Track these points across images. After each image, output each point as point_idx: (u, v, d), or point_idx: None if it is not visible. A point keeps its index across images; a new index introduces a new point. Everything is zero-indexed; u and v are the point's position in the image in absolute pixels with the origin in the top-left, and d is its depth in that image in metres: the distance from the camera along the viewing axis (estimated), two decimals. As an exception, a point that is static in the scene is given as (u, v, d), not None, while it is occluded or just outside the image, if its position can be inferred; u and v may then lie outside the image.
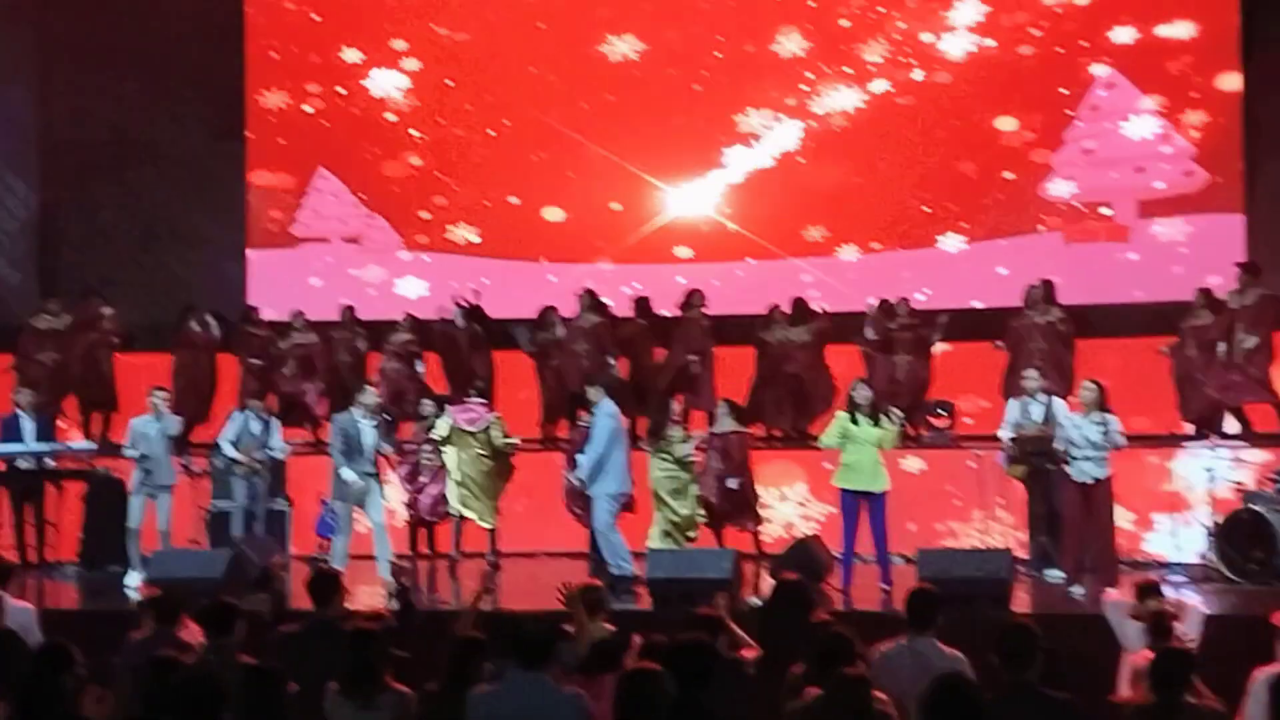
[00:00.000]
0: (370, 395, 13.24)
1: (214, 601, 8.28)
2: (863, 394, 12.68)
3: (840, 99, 17.42)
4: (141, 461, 13.27)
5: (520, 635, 6.53)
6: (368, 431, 12.86)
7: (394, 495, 14.19)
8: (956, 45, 17.19)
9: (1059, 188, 17.01)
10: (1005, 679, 6.65)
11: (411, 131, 18.08)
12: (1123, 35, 16.85)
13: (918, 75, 17.29)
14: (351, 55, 18.22)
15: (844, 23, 17.44)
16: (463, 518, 14.15)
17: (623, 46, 17.80)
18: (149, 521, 13.29)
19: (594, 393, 13.32)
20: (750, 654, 8.10)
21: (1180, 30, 16.71)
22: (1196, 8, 16.70)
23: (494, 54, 17.95)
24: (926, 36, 17.26)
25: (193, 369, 16.32)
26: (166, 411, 13.48)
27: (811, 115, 17.48)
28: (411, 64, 18.14)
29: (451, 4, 17.96)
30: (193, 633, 8.32)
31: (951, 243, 17.20)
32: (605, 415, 13.15)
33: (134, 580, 12.92)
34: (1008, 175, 17.16)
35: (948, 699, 5.52)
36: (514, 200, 18.02)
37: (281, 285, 17.56)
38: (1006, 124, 17.18)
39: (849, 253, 17.45)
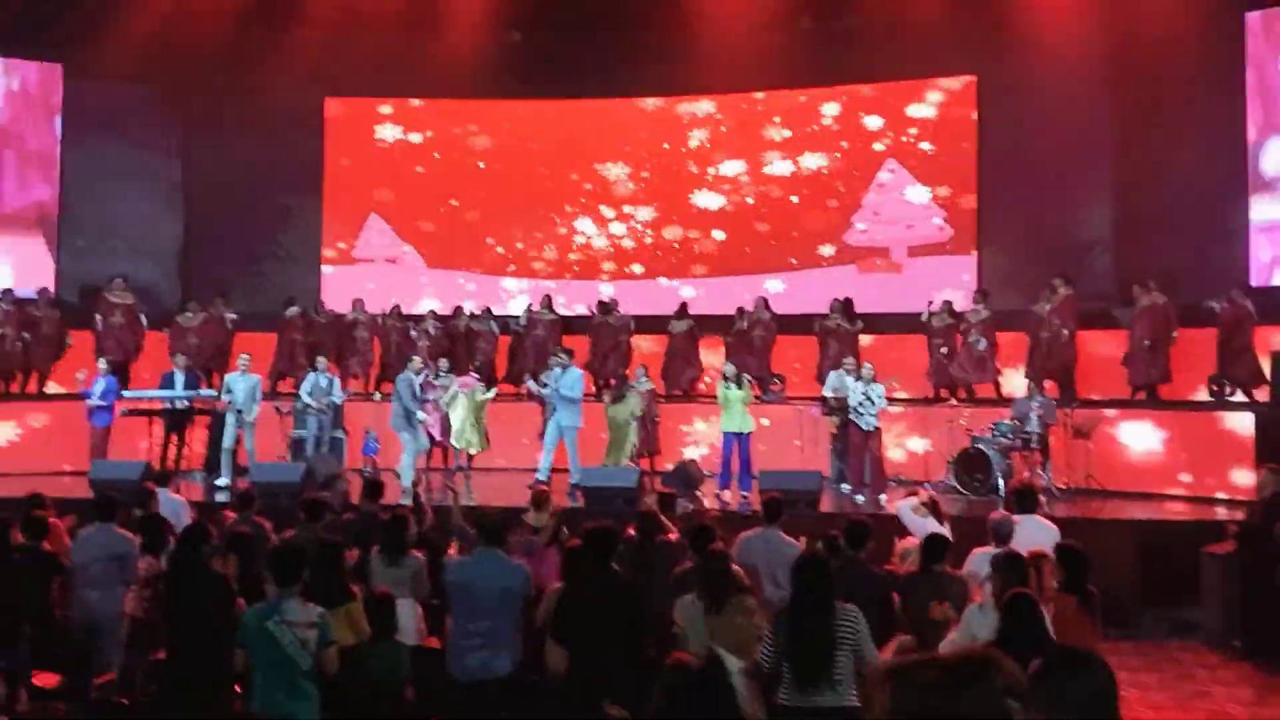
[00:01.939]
0: (416, 362, 13.27)
1: (309, 497, 8.39)
2: (729, 369, 12.77)
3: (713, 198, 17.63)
4: (231, 404, 13.23)
5: (482, 521, 6.32)
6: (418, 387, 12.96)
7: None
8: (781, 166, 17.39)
9: (856, 236, 17.19)
10: (846, 555, 6.80)
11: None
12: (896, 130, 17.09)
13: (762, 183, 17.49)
14: (388, 129, 18.21)
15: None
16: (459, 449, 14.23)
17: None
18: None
19: (563, 359, 12.99)
20: (673, 537, 7.87)
21: (930, 122, 16.90)
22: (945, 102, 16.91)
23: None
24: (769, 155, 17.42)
25: (291, 345, 16.32)
26: (248, 370, 13.46)
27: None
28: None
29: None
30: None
31: (773, 284, 17.24)
32: (579, 373, 12.99)
33: (222, 482, 13.00)
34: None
35: (811, 567, 5.42)
36: (491, 241, 18.05)
37: (344, 290, 17.45)
38: (821, 207, 17.32)
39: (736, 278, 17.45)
